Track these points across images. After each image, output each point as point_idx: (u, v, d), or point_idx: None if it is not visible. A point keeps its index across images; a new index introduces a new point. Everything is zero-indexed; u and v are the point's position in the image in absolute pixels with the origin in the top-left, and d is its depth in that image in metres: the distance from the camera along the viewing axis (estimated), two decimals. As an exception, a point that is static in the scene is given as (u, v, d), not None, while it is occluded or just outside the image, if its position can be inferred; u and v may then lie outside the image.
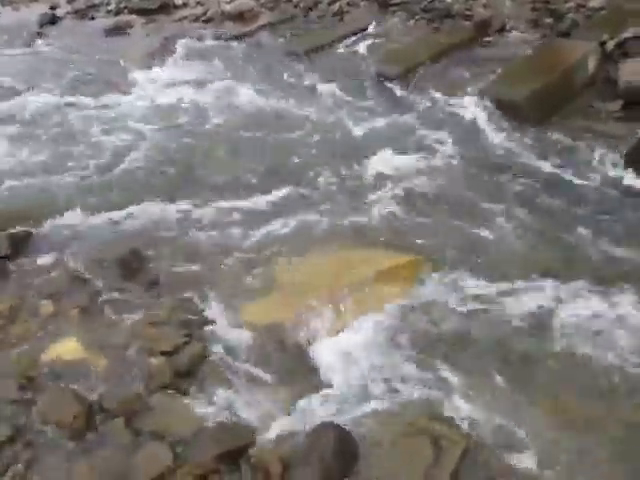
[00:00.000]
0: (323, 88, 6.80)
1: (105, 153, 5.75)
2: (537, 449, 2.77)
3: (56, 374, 3.22)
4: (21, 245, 4.33)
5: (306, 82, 7.06)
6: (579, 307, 3.50)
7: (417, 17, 8.19)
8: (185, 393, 3.13)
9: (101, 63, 8.52)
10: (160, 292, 3.85)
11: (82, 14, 11.40)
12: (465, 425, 2.88)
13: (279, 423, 2.94)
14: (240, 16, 9.69)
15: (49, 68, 8.41)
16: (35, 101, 7.05)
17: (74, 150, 5.82)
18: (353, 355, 3.27)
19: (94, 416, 2.98)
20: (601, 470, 2.68)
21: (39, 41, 9.94)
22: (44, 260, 4.20)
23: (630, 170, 4.68)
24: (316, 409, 2.99)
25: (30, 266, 4.17)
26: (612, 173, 4.75)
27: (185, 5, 10.95)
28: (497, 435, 2.83)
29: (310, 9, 9.43)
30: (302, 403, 3.03)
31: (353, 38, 8.06)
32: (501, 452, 2.76)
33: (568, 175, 4.82)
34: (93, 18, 11.18)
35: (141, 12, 10.94)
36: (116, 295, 3.81)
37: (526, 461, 2.72)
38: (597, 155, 4.94)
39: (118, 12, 11.22)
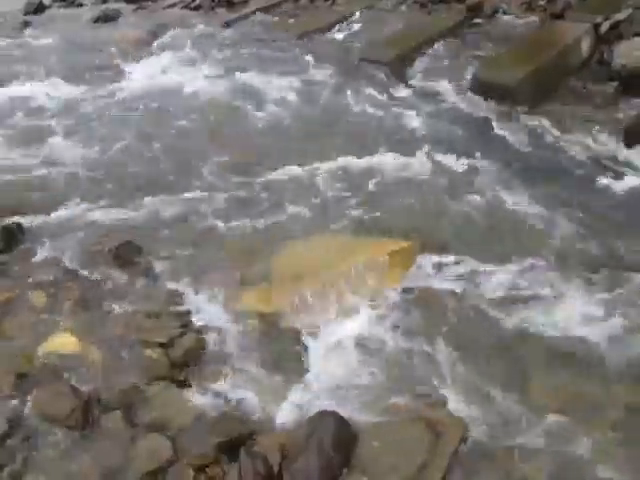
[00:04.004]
0: (315, 75, 6.74)
1: (96, 144, 5.68)
2: (535, 433, 2.78)
3: (52, 368, 3.18)
4: (13, 238, 4.28)
5: (299, 68, 6.99)
6: (570, 290, 3.52)
7: (409, 1, 8.10)
8: (182, 384, 3.11)
9: (90, 52, 8.40)
10: (155, 283, 3.83)
11: (69, 2, 11.24)
12: (463, 410, 2.88)
13: (277, 412, 2.93)
14: (230, 2, 9.57)
15: (38, 58, 8.28)
16: (24, 92, 6.95)
17: (64, 141, 5.75)
18: (350, 342, 3.27)
19: (91, 409, 2.96)
20: (599, 450, 2.69)
21: (26, 30, 9.79)
22: (37, 253, 4.15)
23: (626, 150, 4.67)
24: (314, 397, 2.99)
25: (23, 259, 4.12)
26: (607, 155, 4.75)
27: (174, -9, 10.79)
28: (496, 419, 2.84)
29: (300, -7, 9.32)
30: (300, 392, 3.03)
31: (345, 23, 7.98)
32: (500, 436, 2.77)
33: (562, 158, 4.81)
34: (80, 5, 11.04)
35: (129, -1, 10.80)
36: (110, 287, 3.78)
37: (524, 445, 2.73)
38: (592, 137, 4.94)
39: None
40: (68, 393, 2.96)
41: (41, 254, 4.13)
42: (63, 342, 3.33)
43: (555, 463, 2.65)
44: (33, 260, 4.09)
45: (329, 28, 7.92)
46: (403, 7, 8.05)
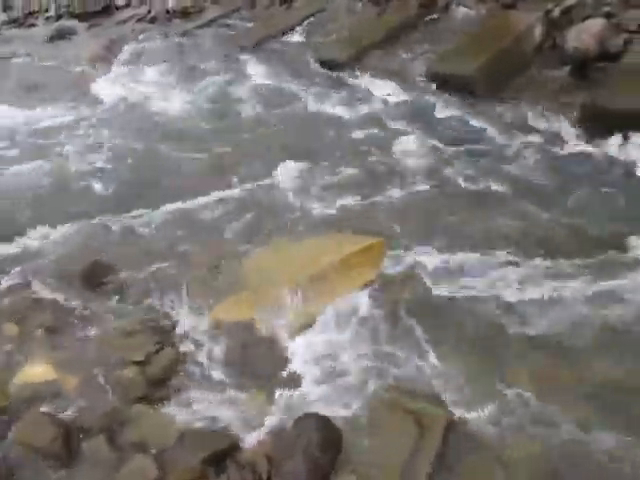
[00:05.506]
0: (274, 78, 6.77)
1: (58, 164, 5.60)
2: (516, 416, 2.82)
3: (28, 399, 3.11)
4: (-21, 269, 4.19)
5: (258, 74, 7.00)
6: (534, 275, 3.59)
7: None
8: (163, 401, 3.08)
9: (46, 72, 8.28)
10: (127, 301, 3.79)
11: (20, 23, 11.02)
12: (447, 400, 2.92)
13: (261, 420, 2.92)
14: (185, 12, 9.52)
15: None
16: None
17: (25, 164, 5.65)
18: (326, 344, 3.28)
19: (73, 436, 2.91)
20: (579, 429, 2.75)
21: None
22: (4, 281, 4.06)
23: (583, 131, 4.77)
24: (296, 402, 2.99)
25: (-10, 289, 4.04)
26: (564, 136, 4.85)
27: (128, 5, 10.68)
28: (478, 406, 2.88)
29: (256, -1, 9.32)
30: (281, 397, 3.03)
31: (301, 26, 8.01)
32: (483, 422, 2.81)
33: (522, 144, 4.90)
34: (32, 25, 10.83)
35: (83, 16, 10.65)
36: (82, 309, 3.73)
37: (509, 430, 2.77)
38: (549, 120, 5.04)
39: (59, 17, 10.89)
40: (47, 422, 2.90)
41: (8, 282, 4.05)
42: (38, 371, 3.26)
43: (539, 444, 2.69)
44: (1, 289, 4.00)
45: (285, 32, 7.94)
46: (358, 6, 8.09)
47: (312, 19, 8.07)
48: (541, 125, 5.05)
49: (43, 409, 3.04)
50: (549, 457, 2.64)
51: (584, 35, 5.59)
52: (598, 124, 4.71)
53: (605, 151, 4.60)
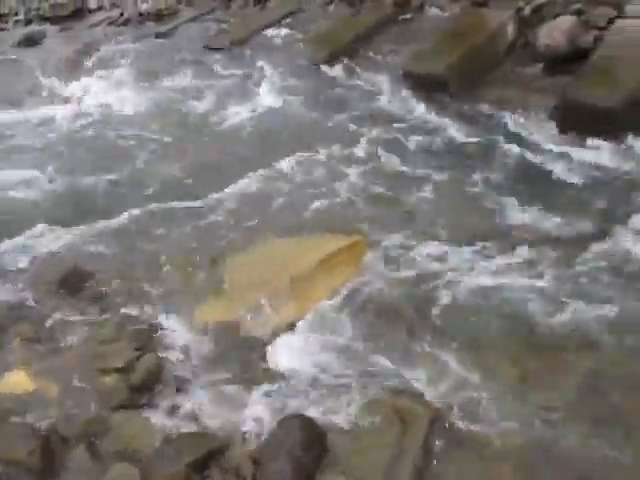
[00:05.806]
0: (250, 80, 6.76)
1: (33, 170, 5.51)
2: (501, 408, 2.85)
3: (7, 411, 3.05)
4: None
5: (234, 74, 7.00)
6: (514, 264, 3.65)
7: (336, 0, 8.19)
8: (146, 407, 3.05)
9: (17, 77, 8.13)
10: (106, 307, 3.74)
11: (-13, 28, 10.84)
12: (430, 395, 2.94)
13: (244, 423, 2.91)
14: (159, 14, 9.45)
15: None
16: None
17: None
18: (309, 344, 3.28)
19: (53, 447, 2.86)
20: (562, 420, 2.78)
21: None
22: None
23: (557, 130, 4.86)
24: (279, 404, 2.98)
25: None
26: (538, 134, 4.92)
27: (100, 8, 10.57)
28: (461, 400, 2.90)
29: (230, 0, 9.30)
30: (264, 399, 3.02)
31: (276, 26, 8.03)
32: (467, 416, 2.83)
33: (495, 143, 4.97)
34: (2, 30, 10.65)
35: (54, 20, 10.51)
36: (61, 317, 3.67)
37: (492, 421, 2.80)
38: (523, 119, 5.11)
39: (29, 22, 10.72)
40: (25, 434, 2.85)
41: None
42: (16, 381, 3.20)
43: (529, 441, 2.71)
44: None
45: (260, 33, 7.94)
46: (332, 7, 8.12)
47: (287, 20, 8.09)
48: (513, 121, 5.13)
49: (23, 420, 2.98)
50: (538, 454, 2.65)
51: (555, 32, 5.69)
52: (569, 119, 4.79)
53: (578, 146, 4.68)
